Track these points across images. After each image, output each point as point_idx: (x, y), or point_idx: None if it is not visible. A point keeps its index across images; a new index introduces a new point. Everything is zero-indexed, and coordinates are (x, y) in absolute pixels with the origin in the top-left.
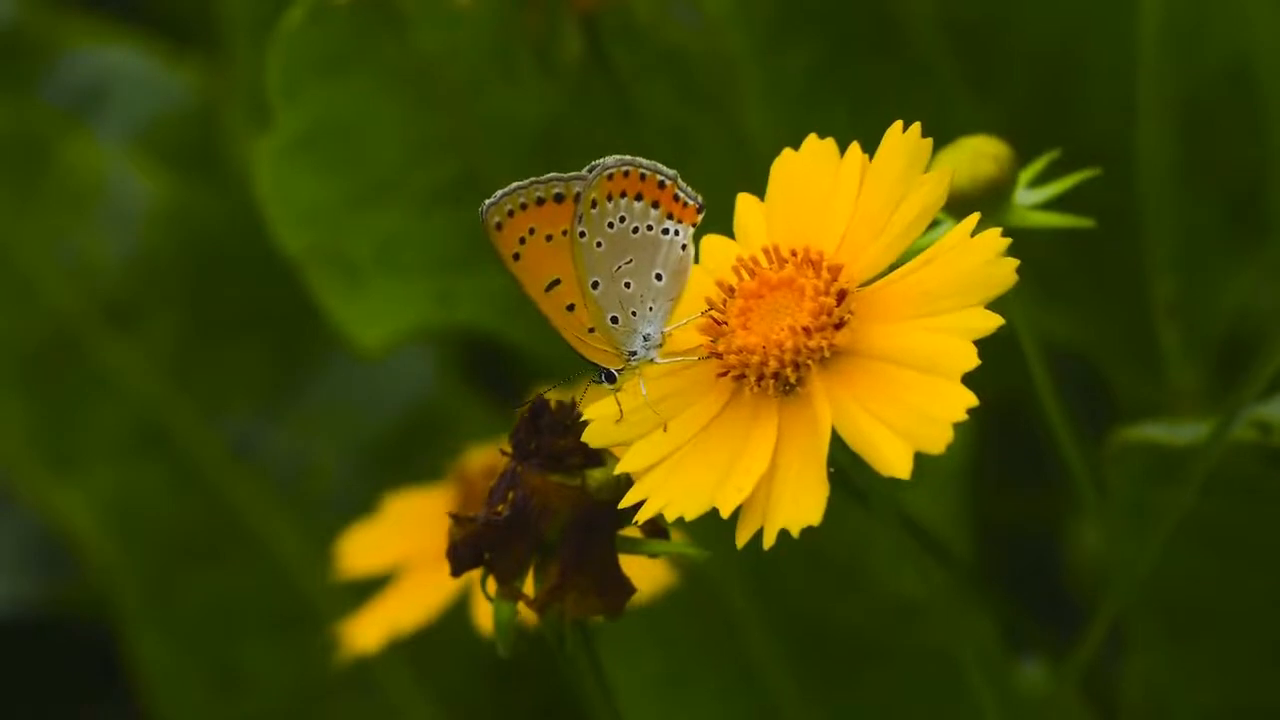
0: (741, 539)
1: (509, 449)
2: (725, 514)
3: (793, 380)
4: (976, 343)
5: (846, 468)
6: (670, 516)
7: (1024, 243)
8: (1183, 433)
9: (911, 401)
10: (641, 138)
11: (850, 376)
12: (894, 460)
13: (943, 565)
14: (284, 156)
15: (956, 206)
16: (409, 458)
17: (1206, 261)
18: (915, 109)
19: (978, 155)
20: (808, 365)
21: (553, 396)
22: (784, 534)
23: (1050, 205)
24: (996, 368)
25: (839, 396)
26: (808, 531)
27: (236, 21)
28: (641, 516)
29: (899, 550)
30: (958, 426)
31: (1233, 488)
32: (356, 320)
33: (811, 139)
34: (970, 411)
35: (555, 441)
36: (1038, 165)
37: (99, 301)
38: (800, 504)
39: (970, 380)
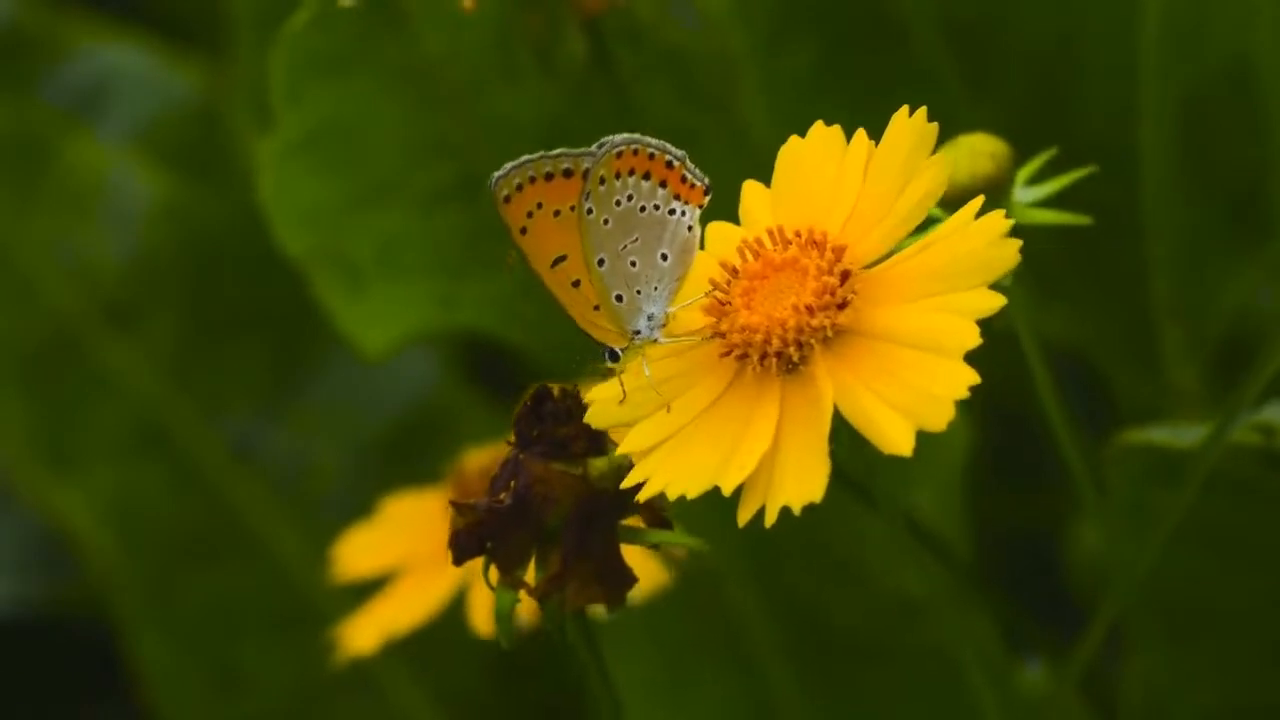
0: (743, 518)
1: (512, 438)
2: (727, 492)
3: (795, 359)
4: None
5: (846, 466)
6: (672, 495)
7: (1023, 241)
8: (1184, 434)
9: (913, 380)
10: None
11: (853, 356)
12: (896, 438)
13: (943, 565)
14: (286, 158)
15: (955, 204)
16: (409, 458)
17: (1206, 261)
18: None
19: (976, 153)
20: (810, 344)
21: (554, 388)
22: (784, 530)
23: (1048, 203)
24: (996, 368)
25: (841, 375)
26: (808, 530)
27: (239, 21)
28: (643, 496)
29: (899, 549)
30: (957, 426)
31: (1233, 489)
32: (359, 322)
33: (818, 126)
34: (970, 411)
35: (557, 429)
36: (1035, 163)
37: (99, 301)
38: (802, 482)
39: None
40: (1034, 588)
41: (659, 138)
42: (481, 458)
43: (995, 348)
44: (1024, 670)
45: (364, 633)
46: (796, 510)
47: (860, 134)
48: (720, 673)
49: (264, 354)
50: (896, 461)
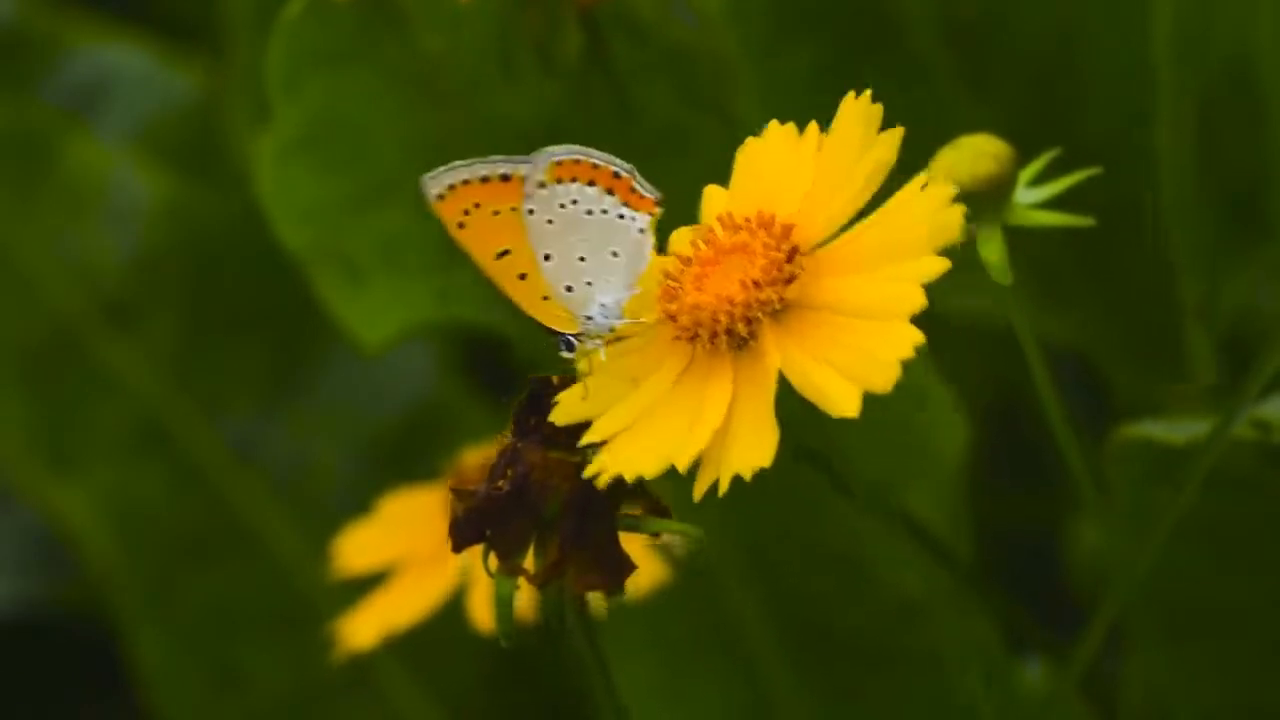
0: (699, 490)
1: (510, 428)
2: (682, 468)
3: (744, 334)
4: (976, 341)
5: (846, 469)
6: (629, 477)
7: (1023, 242)
8: (1183, 431)
9: (858, 344)
10: (641, 137)
11: (800, 329)
12: (840, 400)
13: (943, 565)
14: (284, 153)
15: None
16: (410, 457)
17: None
18: (913, 108)
19: (978, 154)
20: (759, 319)
21: (552, 377)
22: (784, 530)
23: (1050, 204)
24: (996, 367)
25: (789, 348)
26: (808, 530)
27: (237, 20)
28: (602, 481)
29: (900, 550)
30: (955, 424)
31: (1233, 487)
32: (358, 319)
33: (773, 125)
34: (970, 411)
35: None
36: (1038, 164)
37: (99, 301)
38: (751, 449)
39: (969, 380)
40: (1034, 588)
41: (657, 137)
42: (479, 456)
43: (995, 348)
44: (1024, 670)
45: (363, 629)
46: (747, 477)
47: (812, 127)
48: (719, 673)
49: (264, 353)
50: (893, 459)
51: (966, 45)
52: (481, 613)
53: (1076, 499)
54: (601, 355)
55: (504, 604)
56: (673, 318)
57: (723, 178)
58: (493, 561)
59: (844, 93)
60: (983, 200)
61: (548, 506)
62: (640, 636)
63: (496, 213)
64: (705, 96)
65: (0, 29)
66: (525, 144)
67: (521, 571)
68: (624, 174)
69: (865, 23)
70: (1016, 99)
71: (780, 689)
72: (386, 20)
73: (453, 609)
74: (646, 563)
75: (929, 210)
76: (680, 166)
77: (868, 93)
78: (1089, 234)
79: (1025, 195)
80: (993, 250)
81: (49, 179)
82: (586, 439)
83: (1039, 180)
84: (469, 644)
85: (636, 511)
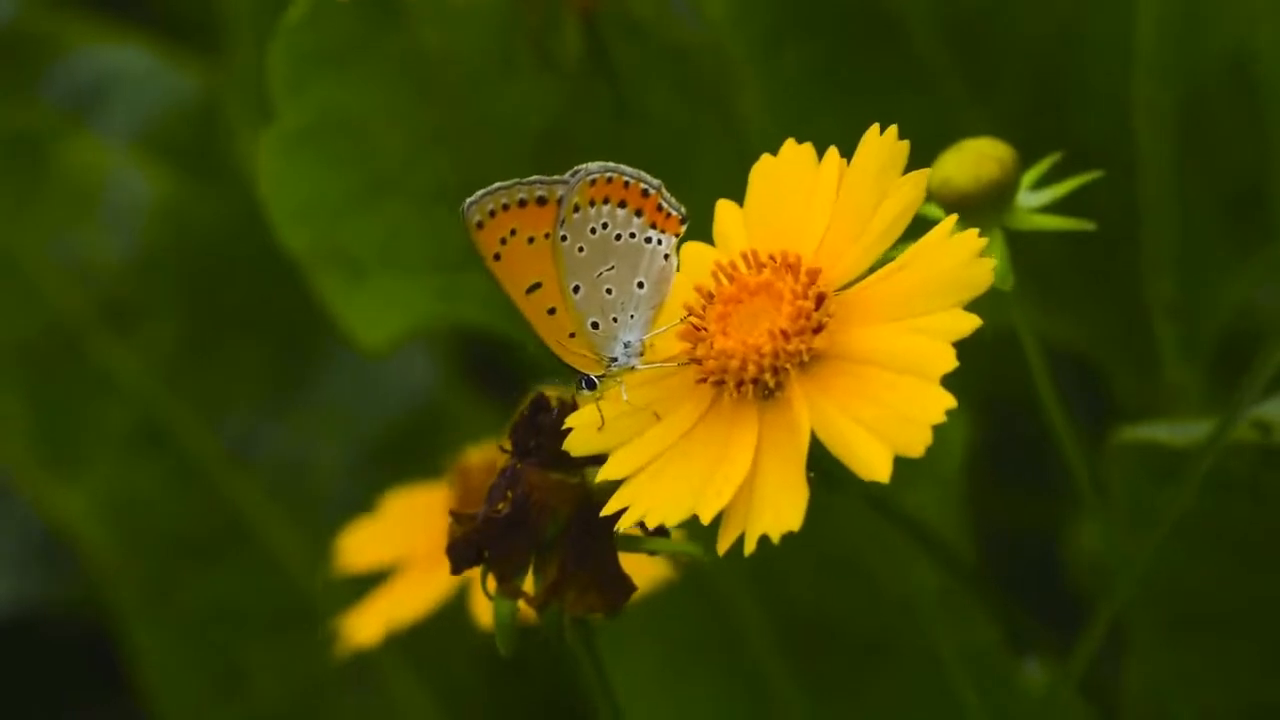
0: (723, 546)
1: (508, 446)
2: (705, 521)
3: (771, 385)
4: (975, 342)
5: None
6: (651, 524)
7: (1024, 244)
8: (1183, 432)
9: (890, 404)
10: (643, 136)
11: (829, 380)
12: (873, 463)
13: (944, 566)
14: (286, 150)
15: (960, 208)
16: (410, 457)
17: (1207, 261)
18: (914, 108)
19: (981, 157)
20: (786, 369)
21: (552, 394)
22: (786, 533)
23: (1052, 207)
24: (996, 367)
25: (818, 400)
26: (809, 531)
27: (237, 20)
28: (623, 524)
29: (900, 550)
30: (956, 426)
31: (1233, 487)
32: (359, 317)
33: (789, 144)
34: (970, 411)
35: (555, 439)
36: (1041, 167)
37: (99, 301)
38: (780, 509)
39: (970, 380)
40: (1034, 588)
41: (658, 136)
42: (481, 455)
43: (996, 348)
44: (1024, 670)
45: (366, 626)
46: (775, 539)
47: (831, 152)
48: (718, 672)
49: (264, 354)
50: (894, 458)
51: (966, 45)
52: (483, 611)
53: (1076, 499)
54: (623, 394)
55: (503, 625)
56: (698, 361)
57: (725, 178)
58: (491, 583)
59: (846, 92)
60: (985, 203)
61: (547, 528)
62: (640, 636)
63: (531, 240)
64: (707, 94)
65: (1, 29)
66: (528, 143)
67: (520, 594)
68: (652, 191)
69: (866, 23)
70: (1016, 99)
71: (779, 688)
72: (387, 19)
73: (453, 607)
74: (646, 563)
75: (958, 262)
76: (682, 166)
77: (893, 129)
78: (1089, 235)
79: (1027, 198)
80: (994, 253)
81: (48, 179)
82: (604, 475)
83: (1040, 182)
84: (470, 641)
85: (636, 531)
